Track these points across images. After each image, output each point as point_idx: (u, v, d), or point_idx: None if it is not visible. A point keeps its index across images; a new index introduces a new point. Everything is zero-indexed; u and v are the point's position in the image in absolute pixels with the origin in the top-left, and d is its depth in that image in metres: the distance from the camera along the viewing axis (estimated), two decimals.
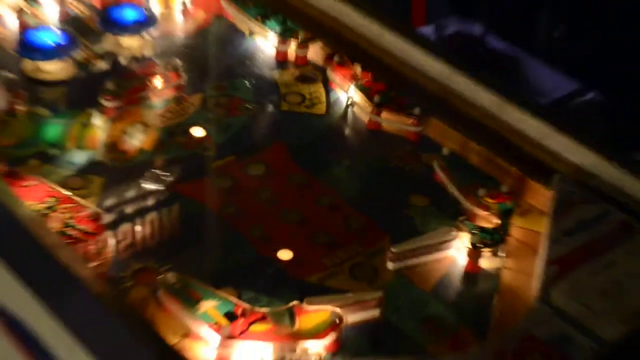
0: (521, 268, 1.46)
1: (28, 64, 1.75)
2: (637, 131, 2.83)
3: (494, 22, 3.02)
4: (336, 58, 1.82)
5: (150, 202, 1.55)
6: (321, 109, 1.76)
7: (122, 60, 1.81)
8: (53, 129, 1.63)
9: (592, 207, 1.47)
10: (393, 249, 1.44)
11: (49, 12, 1.87)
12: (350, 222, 1.54)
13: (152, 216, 1.53)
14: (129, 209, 1.53)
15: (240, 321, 1.28)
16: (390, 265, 1.44)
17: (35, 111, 1.65)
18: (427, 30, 2.95)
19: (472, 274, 1.47)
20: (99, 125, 1.62)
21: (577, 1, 3.14)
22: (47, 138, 1.62)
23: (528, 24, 3.22)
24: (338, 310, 1.31)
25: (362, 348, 1.32)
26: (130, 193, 1.55)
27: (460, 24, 2.86)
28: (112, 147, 1.63)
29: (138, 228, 1.50)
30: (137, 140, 1.64)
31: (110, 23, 1.83)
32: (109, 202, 1.53)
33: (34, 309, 1.33)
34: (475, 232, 1.48)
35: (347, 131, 1.75)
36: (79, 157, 1.61)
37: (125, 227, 1.49)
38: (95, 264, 1.39)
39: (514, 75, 2.77)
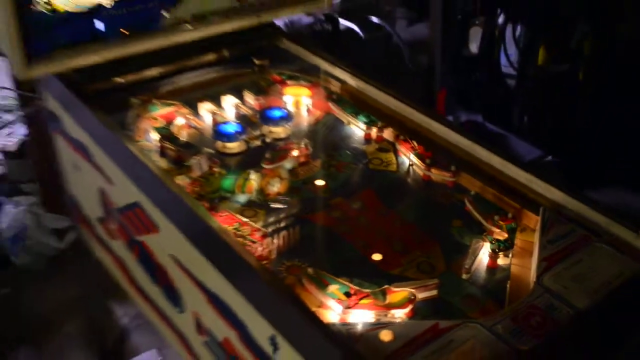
0: (523, 264, 1.45)
1: (219, 144, 1.78)
2: (582, 180, 2.81)
3: (489, 113, 3.01)
4: (401, 137, 1.81)
5: (293, 224, 1.56)
6: (393, 168, 1.75)
7: (269, 140, 1.82)
8: (228, 182, 1.65)
9: (564, 226, 1.46)
10: (466, 266, 1.42)
11: (229, 112, 1.92)
12: (415, 237, 1.53)
13: (295, 233, 1.53)
14: (281, 229, 1.53)
15: (354, 298, 1.30)
16: (464, 276, 1.42)
17: (221, 171, 1.68)
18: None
19: (493, 268, 1.45)
20: (254, 179, 1.64)
21: (538, 98, 3.12)
22: (224, 187, 1.64)
23: (508, 114, 3.21)
24: (413, 290, 1.32)
25: (427, 314, 1.31)
26: (280, 219, 1.56)
27: (468, 115, 2.85)
28: (261, 191, 1.64)
29: (287, 240, 1.51)
30: (275, 187, 1.65)
31: (265, 118, 1.85)
32: (269, 223, 1.54)
33: (227, 288, 1.37)
34: (493, 242, 1.47)
35: (410, 181, 1.73)
36: (242, 198, 1.62)
37: (280, 239, 1.50)
38: (263, 261, 1.41)
39: (502, 146, 2.75)
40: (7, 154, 2.90)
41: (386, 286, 1.32)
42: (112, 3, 1.78)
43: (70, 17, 1.73)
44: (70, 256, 2.70)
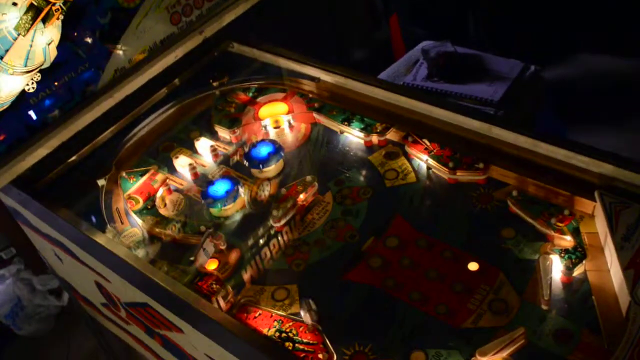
0: (598, 266, 1.22)
1: (214, 210, 1.45)
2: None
3: (456, 36, 2.66)
4: (410, 138, 1.51)
5: (333, 292, 1.28)
6: (412, 177, 1.46)
7: (266, 185, 1.48)
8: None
9: (630, 210, 1.23)
10: (545, 297, 1.17)
11: (208, 158, 1.59)
12: (470, 267, 1.27)
13: (340, 303, 1.26)
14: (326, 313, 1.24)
15: None
16: (544, 307, 1.17)
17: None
18: (415, 54, 2.60)
19: (568, 283, 1.21)
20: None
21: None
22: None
23: (480, 32, 2.91)
24: (505, 355, 1.09)
25: None
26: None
27: (435, 46, 2.50)
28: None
29: (337, 318, 1.23)
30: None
31: (252, 161, 1.52)
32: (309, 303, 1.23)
33: None
34: (563, 255, 1.22)
35: (436, 190, 1.44)
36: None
37: (331, 325, 1.20)
38: None
39: (482, 68, 2.45)
40: None
41: (473, 359, 1.09)
42: (34, 86, 1.41)
43: None
44: (75, 311, 2.44)
